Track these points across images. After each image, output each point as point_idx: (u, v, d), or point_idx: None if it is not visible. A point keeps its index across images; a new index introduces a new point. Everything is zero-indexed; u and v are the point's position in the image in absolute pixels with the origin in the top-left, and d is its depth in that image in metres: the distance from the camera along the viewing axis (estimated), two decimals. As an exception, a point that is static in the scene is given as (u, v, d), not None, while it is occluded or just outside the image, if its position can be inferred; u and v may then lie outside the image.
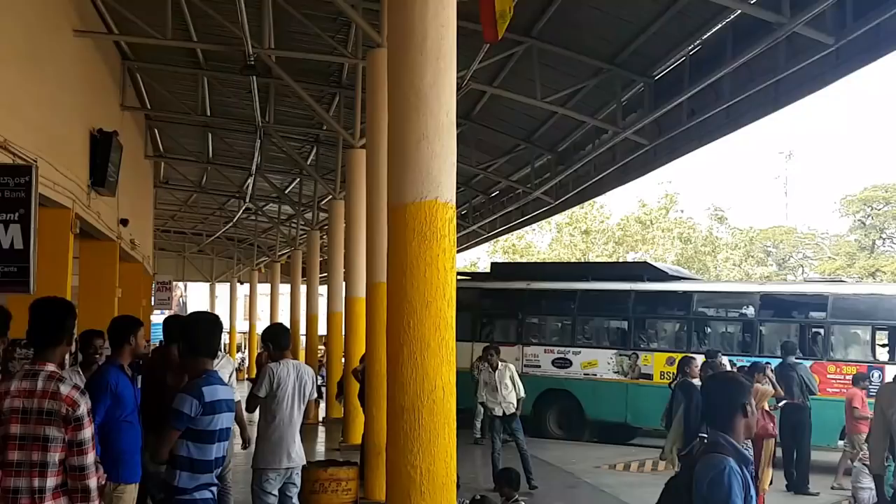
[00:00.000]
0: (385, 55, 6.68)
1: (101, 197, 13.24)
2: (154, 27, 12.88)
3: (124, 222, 15.49)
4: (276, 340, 7.01)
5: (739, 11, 10.47)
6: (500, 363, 11.96)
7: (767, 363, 12.86)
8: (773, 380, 11.28)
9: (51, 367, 4.08)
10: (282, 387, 6.68)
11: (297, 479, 6.98)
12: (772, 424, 10.45)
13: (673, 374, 13.82)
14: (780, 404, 11.89)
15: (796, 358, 12.81)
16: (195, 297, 47.12)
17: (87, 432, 4.04)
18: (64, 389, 4.01)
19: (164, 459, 4.31)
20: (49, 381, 4.02)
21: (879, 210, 47.02)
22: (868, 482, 10.69)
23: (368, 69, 11.27)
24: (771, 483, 10.84)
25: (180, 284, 42.79)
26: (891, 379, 9.14)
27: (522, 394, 11.91)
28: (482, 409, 15.47)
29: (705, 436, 8.91)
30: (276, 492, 6.68)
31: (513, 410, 11.67)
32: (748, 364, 11.79)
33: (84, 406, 4.03)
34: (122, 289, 15.41)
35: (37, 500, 3.96)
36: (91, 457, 4.07)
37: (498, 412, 11.75)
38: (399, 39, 5.33)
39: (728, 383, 3.76)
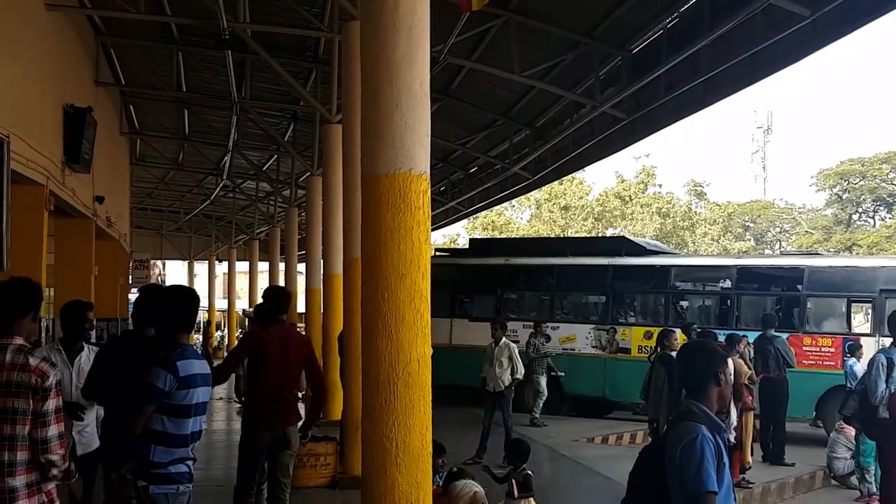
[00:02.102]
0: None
1: (75, 174, 13.10)
2: (127, 1, 12.71)
3: (100, 199, 15.34)
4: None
5: (716, -17, 10.46)
6: (503, 340, 11.96)
7: (744, 336, 12.99)
8: (746, 357, 11.36)
9: (18, 341, 4.05)
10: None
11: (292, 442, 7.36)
12: (751, 398, 10.55)
13: (651, 347, 13.94)
14: (759, 378, 11.98)
15: (774, 331, 12.89)
16: (174, 275, 46.87)
17: (52, 404, 4.00)
18: (33, 361, 3.99)
19: (137, 434, 4.28)
20: (18, 354, 3.99)
21: (856, 184, 47.38)
22: (843, 452, 10.86)
23: (344, 43, 11.18)
24: (752, 455, 10.99)
25: (158, 263, 42.55)
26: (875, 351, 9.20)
27: (520, 375, 11.86)
28: (543, 388, 15.54)
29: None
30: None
31: (502, 388, 11.68)
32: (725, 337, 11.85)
33: (52, 378, 4.00)
34: (99, 267, 15.31)
35: (6, 475, 3.93)
36: (54, 429, 4.02)
37: (490, 387, 11.78)
38: (371, 10, 5.27)
39: (701, 351, 3.76)
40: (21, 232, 10.88)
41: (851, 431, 10.51)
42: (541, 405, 15.64)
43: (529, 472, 7.29)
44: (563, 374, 16.56)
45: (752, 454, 10.65)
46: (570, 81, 14.82)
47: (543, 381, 15.72)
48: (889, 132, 64.38)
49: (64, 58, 13.09)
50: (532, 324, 16.48)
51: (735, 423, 9.11)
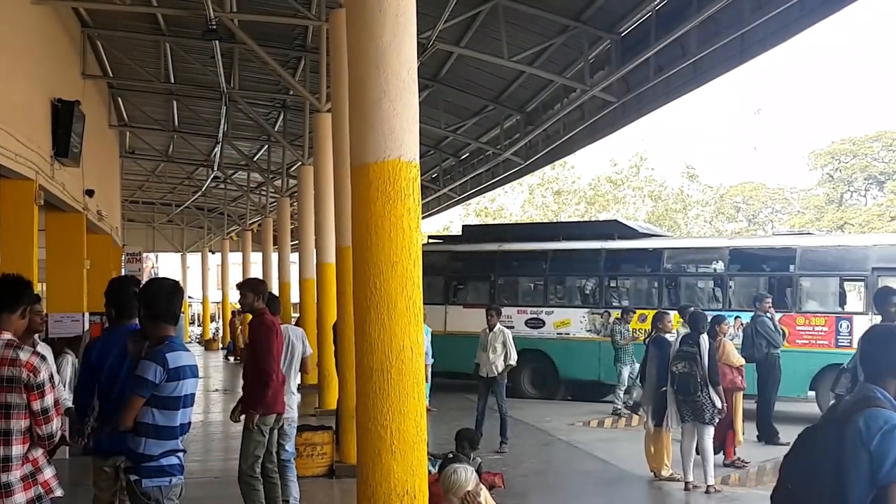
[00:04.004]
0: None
1: (65, 168, 13.05)
2: (112, -8, 12.65)
3: (90, 193, 15.29)
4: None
5: (704, -36, 10.44)
6: (497, 326, 11.97)
7: (737, 317, 13.05)
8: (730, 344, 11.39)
9: (6, 336, 4.04)
10: None
11: (291, 432, 7.92)
12: (740, 378, 10.57)
13: (646, 330, 13.96)
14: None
15: (764, 311, 12.86)
16: (166, 267, 46.78)
17: (50, 399, 4.02)
18: (23, 356, 3.98)
19: (128, 427, 4.26)
20: (7, 349, 3.99)
21: (847, 163, 47.45)
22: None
23: (331, 30, 11.13)
24: (743, 434, 11.02)
25: (151, 255, 42.43)
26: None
27: (513, 361, 11.86)
28: (626, 377, 15.04)
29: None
30: (266, 433, 7.25)
31: (496, 374, 11.69)
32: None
33: (45, 372, 4.00)
34: (91, 261, 15.25)
35: (1, 470, 3.93)
36: (56, 423, 4.05)
37: (483, 373, 11.80)
38: (357, -4, 5.24)
39: (892, 339, 3.60)
40: (11, 227, 10.86)
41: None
42: (622, 395, 15.09)
43: (478, 459, 7.95)
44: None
45: (743, 433, 10.69)
46: (560, 65, 14.80)
47: (627, 371, 14.99)
48: (879, 113, 64.49)
49: (51, 51, 13.01)
50: (620, 311, 15.69)
51: (721, 405, 9.14)
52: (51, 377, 4.11)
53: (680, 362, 9.13)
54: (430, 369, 15.01)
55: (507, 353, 11.70)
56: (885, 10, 67.04)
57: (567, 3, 12.74)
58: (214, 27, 12.75)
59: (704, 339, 9.19)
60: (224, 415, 14.93)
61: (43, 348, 5.99)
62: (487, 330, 11.93)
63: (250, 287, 7.34)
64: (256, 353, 7.13)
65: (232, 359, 28.04)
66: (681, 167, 52.97)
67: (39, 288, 13.39)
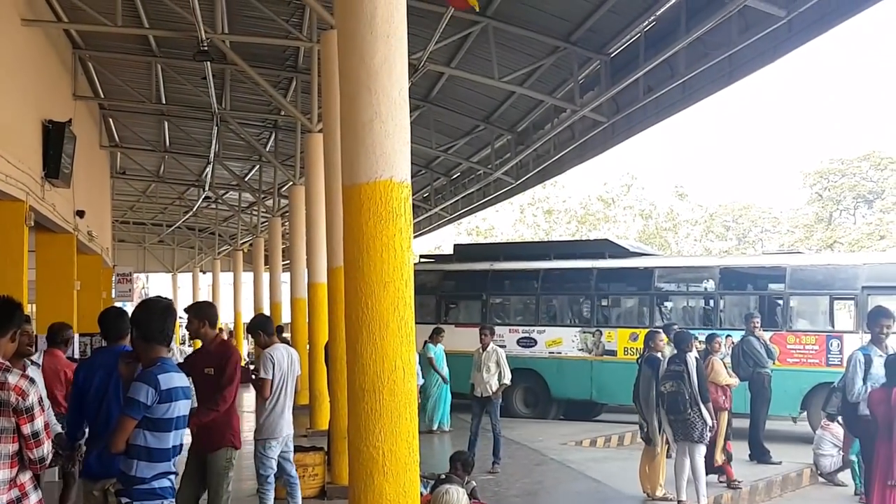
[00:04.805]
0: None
1: (55, 189, 13.04)
2: (104, 14, 12.68)
3: (81, 214, 15.27)
4: (266, 329, 8.05)
5: (692, -14, 10.54)
6: (490, 345, 11.96)
7: (728, 336, 13.05)
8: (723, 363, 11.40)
9: (-5, 359, 4.02)
10: (278, 368, 7.73)
11: (291, 444, 8.23)
12: (724, 398, 10.54)
13: (636, 349, 13.97)
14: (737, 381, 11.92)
15: (751, 330, 12.86)
16: (157, 288, 46.64)
17: (40, 422, 3.99)
18: (12, 379, 3.95)
19: (120, 450, 4.24)
20: (-4, 372, 3.96)
21: (836, 182, 47.71)
22: (829, 449, 10.90)
23: (323, 51, 11.17)
24: (723, 453, 10.95)
25: (141, 276, 42.30)
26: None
27: (507, 380, 11.83)
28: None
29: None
30: (276, 456, 7.85)
31: (490, 393, 11.67)
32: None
33: (34, 395, 3.97)
34: (81, 281, 15.22)
35: None
36: (47, 446, 4.02)
37: (478, 393, 11.78)
38: (348, 18, 5.26)
39: None
40: (1, 248, 10.84)
41: (837, 428, 10.55)
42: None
43: (473, 482, 8.02)
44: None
45: (724, 453, 10.65)
46: (550, 86, 14.89)
47: None
48: (868, 134, 64.93)
49: (42, 72, 13.03)
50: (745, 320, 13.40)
51: (712, 423, 9.14)
52: (40, 400, 4.08)
53: (668, 382, 9.16)
54: (441, 389, 15.03)
55: (501, 372, 11.69)
56: (875, 31, 67.74)
57: (557, 25, 12.83)
58: (206, 48, 12.78)
59: (692, 357, 9.20)
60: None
61: (32, 371, 5.96)
62: (481, 349, 11.93)
63: (195, 311, 6.84)
64: (223, 380, 6.55)
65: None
66: (670, 187, 53.20)
67: (29, 309, 13.34)
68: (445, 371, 15.07)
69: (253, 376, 22.75)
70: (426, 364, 14.67)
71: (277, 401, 7.81)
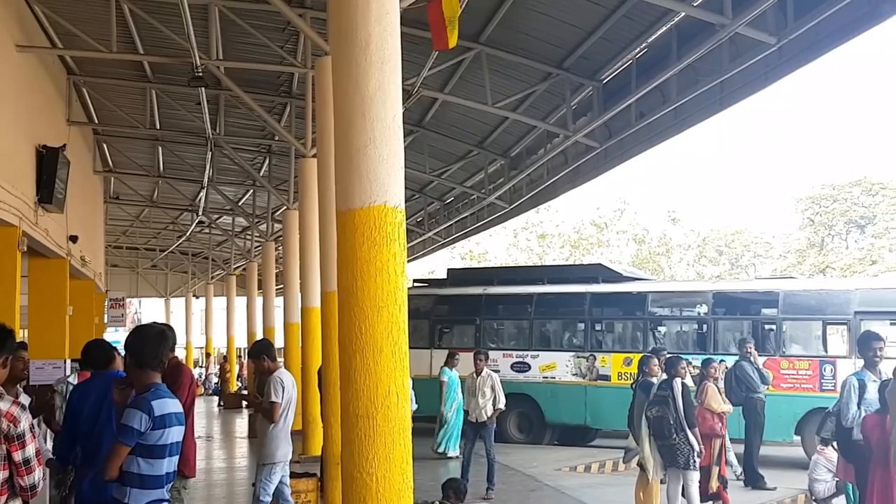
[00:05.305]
0: (332, 62, 6.66)
1: (48, 214, 13.02)
2: (99, 41, 12.73)
3: (74, 239, 15.23)
4: (269, 353, 8.03)
5: (683, 14, 10.64)
6: (485, 370, 11.94)
7: (722, 361, 13.03)
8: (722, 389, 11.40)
9: (-13, 386, 4.01)
10: (286, 392, 7.74)
11: (288, 469, 8.27)
12: (720, 424, 10.49)
13: (630, 374, 13.96)
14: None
15: (748, 353, 12.87)
16: (150, 313, 46.50)
17: (31, 449, 3.98)
18: (3, 406, 3.94)
19: (113, 477, 4.21)
20: (-13, 399, 3.95)
21: (827, 207, 47.93)
22: (824, 475, 10.86)
23: (317, 77, 11.23)
24: (719, 479, 10.89)
25: (134, 301, 42.20)
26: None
27: (502, 405, 11.80)
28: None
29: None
30: (278, 482, 7.90)
31: (485, 419, 11.63)
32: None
33: (25, 422, 3.95)
34: (74, 306, 15.14)
35: None
36: (38, 473, 4.00)
37: (472, 418, 11.74)
38: (343, 45, 5.31)
39: None
40: (-7, 273, 10.80)
41: (832, 453, 10.51)
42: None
43: None
44: None
45: (717, 479, 10.59)
46: (543, 111, 14.98)
47: None
48: (859, 161, 65.34)
49: (36, 98, 13.05)
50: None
51: (699, 449, 9.10)
52: (31, 427, 4.07)
53: (654, 407, 9.15)
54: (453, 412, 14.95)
55: (495, 397, 11.66)
56: (866, 57, 68.38)
57: (549, 51, 12.93)
58: (201, 74, 12.83)
59: (678, 383, 9.18)
60: (206, 462, 14.75)
61: (24, 398, 5.94)
62: (475, 374, 11.90)
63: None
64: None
65: (216, 404, 27.81)
66: (663, 212, 53.39)
67: (21, 334, 13.28)
68: (459, 397, 14.76)
69: (244, 402, 22.70)
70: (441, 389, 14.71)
71: (282, 425, 7.86)
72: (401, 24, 5.53)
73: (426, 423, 16.00)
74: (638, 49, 12.20)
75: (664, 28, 11.44)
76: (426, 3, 8.31)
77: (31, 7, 12.56)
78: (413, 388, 14.76)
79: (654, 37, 11.75)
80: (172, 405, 4.34)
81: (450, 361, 15.01)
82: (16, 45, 11.68)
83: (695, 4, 10.32)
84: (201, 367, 40.54)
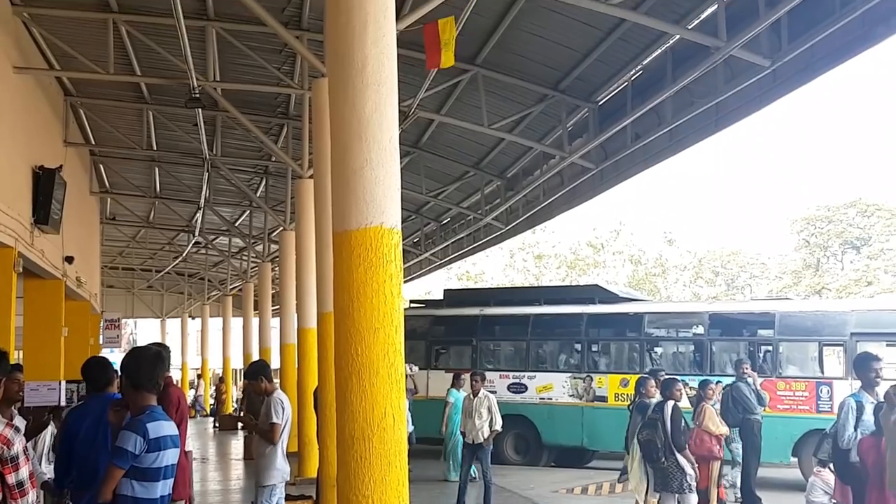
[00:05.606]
0: (329, 84, 6.68)
1: (44, 234, 13.01)
2: (96, 62, 12.77)
3: (69, 260, 15.21)
4: (267, 374, 8.01)
5: (678, 36, 10.72)
6: (481, 391, 11.90)
7: (719, 381, 13.00)
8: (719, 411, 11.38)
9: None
10: (285, 413, 7.73)
11: (284, 491, 8.25)
12: (717, 447, 10.46)
13: (627, 395, 13.93)
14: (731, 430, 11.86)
15: (746, 374, 12.85)
16: (145, 333, 46.35)
17: (24, 472, 3.96)
18: (-3, 428, 3.93)
19: (107, 500, 4.18)
20: (-19, 422, 3.93)
21: (822, 229, 48.05)
22: (821, 496, 10.82)
23: (314, 99, 11.28)
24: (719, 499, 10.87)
25: (130, 321, 42.04)
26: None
27: (499, 426, 11.76)
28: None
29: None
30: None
31: (481, 440, 11.59)
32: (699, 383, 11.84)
33: (18, 445, 3.94)
34: (69, 327, 15.09)
35: None
36: (31, 496, 3.98)
37: (468, 440, 11.69)
38: (340, 68, 5.33)
39: None
40: (-11, 294, 10.78)
41: (828, 475, 10.48)
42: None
43: None
44: None
45: (716, 502, 10.55)
46: (539, 133, 15.04)
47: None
48: (853, 182, 65.57)
49: (33, 119, 13.08)
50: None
51: (692, 472, 9.04)
52: (25, 450, 4.05)
53: (645, 429, 9.10)
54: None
55: (492, 418, 11.62)
56: (860, 79, 68.79)
57: (545, 73, 12.99)
58: (198, 95, 12.86)
59: (668, 405, 9.13)
60: (202, 485, 14.65)
61: (19, 421, 5.91)
62: (472, 395, 11.87)
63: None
64: None
65: (211, 426, 27.66)
66: (659, 232, 53.48)
67: (16, 355, 13.23)
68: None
69: (240, 424, 22.57)
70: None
71: (281, 446, 7.87)
72: (397, 45, 5.57)
73: (430, 446, 15.94)
74: (633, 71, 12.28)
75: (659, 50, 11.52)
76: (422, 25, 8.36)
77: (29, 29, 12.61)
78: (410, 409, 14.78)
79: (649, 59, 11.84)
80: (168, 428, 4.32)
81: (456, 383, 14.98)
82: (13, 66, 11.72)
83: (689, 27, 10.40)
84: (193, 388, 40.40)
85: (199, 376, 36.90)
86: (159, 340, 38.68)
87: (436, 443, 16.06)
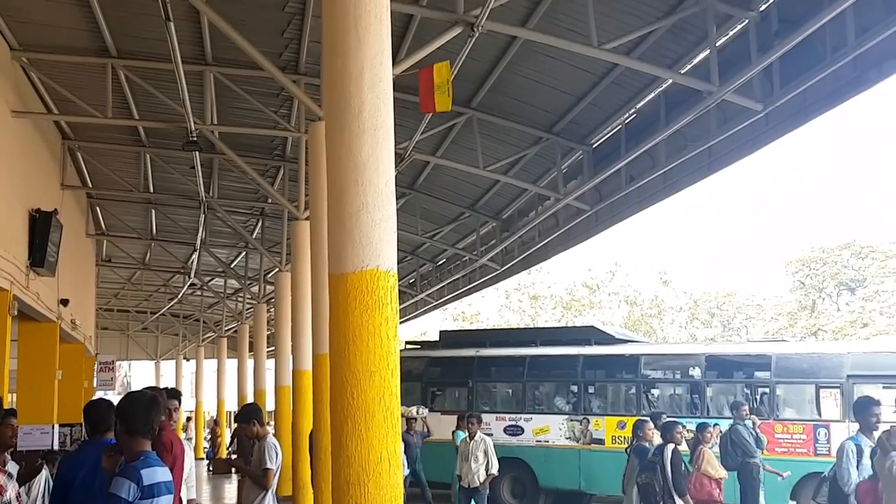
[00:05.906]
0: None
1: (40, 277, 13.01)
2: (95, 106, 12.85)
3: (64, 302, 15.19)
4: (259, 418, 7.83)
5: (671, 81, 10.84)
6: (478, 434, 11.82)
7: (716, 424, 12.95)
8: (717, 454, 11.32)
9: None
10: (278, 458, 7.57)
11: None
12: (718, 491, 10.37)
13: (625, 438, 13.84)
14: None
15: (743, 416, 12.79)
16: (140, 375, 46.08)
17: None
18: (-9, 474, 3.90)
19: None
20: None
21: (817, 271, 48.14)
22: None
23: (310, 142, 11.36)
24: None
25: (124, 364, 41.85)
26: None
27: (495, 470, 11.64)
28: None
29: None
30: None
31: (477, 484, 11.49)
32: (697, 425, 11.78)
33: (11, 490, 3.91)
34: (63, 370, 15.03)
35: None
36: None
37: (465, 483, 11.59)
38: (337, 112, 5.38)
39: None
40: (-17, 337, 10.75)
41: (828, 519, 10.40)
42: None
43: None
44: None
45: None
46: (534, 175, 15.13)
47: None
48: (848, 224, 65.91)
49: (30, 162, 13.14)
50: None
51: None
52: (18, 496, 4.01)
53: (643, 473, 9.04)
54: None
55: (488, 461, 11.53)
56: (854, 122, 69.42)
57: (540, 116, 13.11)
58: (195, 139, 12.94)
59: (668, 449, 9.07)
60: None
61: (12, 466, 5.86)
62: (468, 438, 11.78)
63: None
64: None
65: (205, 469, 27.40)
66: (655, 274, 53.53)
67: (10, 398, 13.14)
68: None
69: (233, 467, 22.37)
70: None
71: (273, 491, 7.74)
72: (393, 89, 5.63)
73: (437, 489, 15.74)
74: (627, 115, 12.40)
75: (652, 94, 11.65)
76: (418, 70, 8.45)
77: (28, 74, 12.72)
78: (420, 451, 14.68)
79: (642, 103, 11.96)
80: (162, 474, 4.29)
81: (461, 423, 14.89)
82: (11, 110, 11.81)
83: (682, 72, 10.52)
84: (188, 432, 40.02)
85: (188, 419, 36.47)
86: (152, 383, 38.52)
87: (431, 486, 15.92)
